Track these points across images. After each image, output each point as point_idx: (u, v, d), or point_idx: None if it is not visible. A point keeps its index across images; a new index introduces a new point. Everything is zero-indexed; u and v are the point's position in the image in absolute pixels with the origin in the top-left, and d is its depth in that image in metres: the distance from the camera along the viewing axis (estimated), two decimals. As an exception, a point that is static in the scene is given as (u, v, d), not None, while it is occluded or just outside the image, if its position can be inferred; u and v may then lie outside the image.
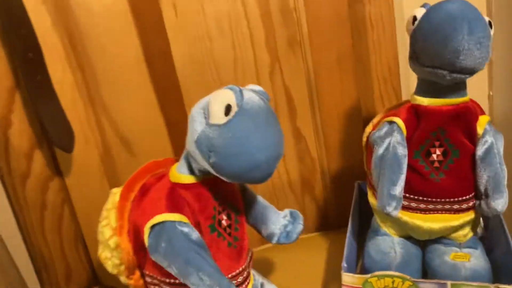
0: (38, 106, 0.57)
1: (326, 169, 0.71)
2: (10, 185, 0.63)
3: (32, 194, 0.64)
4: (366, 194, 0.59)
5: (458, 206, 0.50)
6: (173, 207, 0.43)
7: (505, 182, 0.49)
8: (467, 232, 0.53)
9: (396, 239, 0.54)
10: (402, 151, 0.50)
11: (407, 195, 0.51)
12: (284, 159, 0.69)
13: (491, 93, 0.72)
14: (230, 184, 0.47)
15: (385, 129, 0.52)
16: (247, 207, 0.51)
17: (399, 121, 0.50)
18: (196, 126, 0.41)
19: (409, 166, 0.50)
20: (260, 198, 0.52)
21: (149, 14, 0.61)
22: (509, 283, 0.45)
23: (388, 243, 0.54)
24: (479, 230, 0.56)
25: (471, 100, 0.51)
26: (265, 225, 0.51)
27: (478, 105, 0.53)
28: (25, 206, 0.64)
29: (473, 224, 0.52)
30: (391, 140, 0.50)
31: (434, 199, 0.51)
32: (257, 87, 0.44)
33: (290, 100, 0.67)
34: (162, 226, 0.42)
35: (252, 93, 0.42)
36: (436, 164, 0.50)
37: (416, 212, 0.51)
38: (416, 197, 0.51)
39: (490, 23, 0.46)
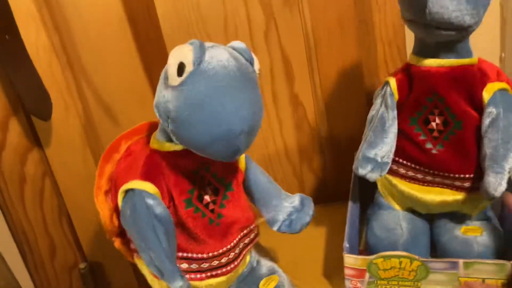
0: (9, 69, 0.52)
1: (325, 137, 0.66)
2: (-15, 158, 0.59)
3: (9, 166, 0.60)
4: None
5: (460, 183, 0.46)
6: (147, 176, 0.39)
7: (507, 165, 0.42)
8: (475, 206, 0.48)
9: (402, 213, 0.50)
10: (390, 114, 0.46)
11: (404, 161, 0.48)
12: (280, 127, 0.65)
13: (503, 55, 0.68)
14: None
15: (381, 89, 0.49)
16: (248, 183, 0.46)
17: (392, 82, 0.47)
18: (158, 88, 0.37)
19: (403, 132, 0.47)
20: (264, 176, 0.47)
21: (130, -33, 0.56)
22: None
23: (393, 218, 0.50)
24: (494, 208, 0.51)
25: (485, 64, 0.45)
26: (267, 208, 0.46)
27: (495, 70, 0.46)
28: (2, 180, 0.60)
29: (480, 204, 0.48)
30: (382, 102, 0.48)
31: (431, 171, 0.47)
32: (239, 44, 0.39)
33: (287, 63, 0.62)
34: (132, 193, 0.38)
35: (222, 51, 0.36)
36: (436, 134, 0.46)
37: (414, 182, 0.48)
38: (412, 165, 0.48)
39: None
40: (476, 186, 0.45)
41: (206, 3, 0.57)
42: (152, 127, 0.45)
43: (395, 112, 0.46)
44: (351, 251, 0.46)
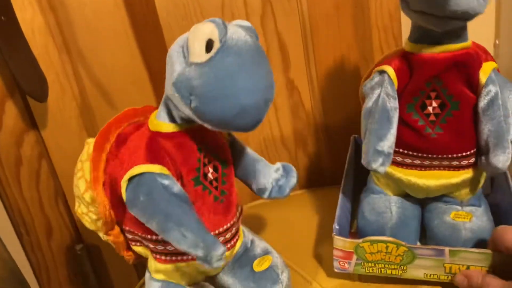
0: (5, 50, 0.52)
1: (320, 122, 0.67)
2: (-19, 139, 0.59)
3: (5, 148, 0.59)
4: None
5: (457, 163, 0.46)
6: (153, 158, 0.39)
7: (510, 137, 0.44)
8: (469, 190, 0.48)
9: (393, 198, 0.50)
10: (393, 103, 0.45)
11: (400, 150, 0.47)
12: (276, 112, 0.65)
13: (497, 42, 0.68)
14: (217, 134, 0.43)
15: (376, 79, 0.47)
16: (236, 159, 0.47)
17: (390, 70, 0.46)
18: (175, 66, 0.37)
19: (401, 120, 0.46)
20: (250, 151, 0.49)
21: None
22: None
23: (383, 202, 0.50)
24: (485, 187, 0.51)
25: (475, 45, 0.46)
26: (256, 179, 0.48)
27: (484, 50, 0.47)
28: (-1, 161, 0.60)
29: (476, 181, 0.48)
30: (381, 92, 0.46)
31: (430, 155, 0.46)
32: (245, 23, 0.39)
33: (283, 48, 0.63)
34: (141, 178, 0.38)
35: (238, 28, 0.37)
36: (432, 118, 0.46)
37: (411, 169, 0.48)
38: (410, 152, 0.47)
39: None
40: (472, 162, 0.46)
41: (203, -15, 0.57)
42: (139, 112, 0.45)
43: (397, 101, 0.46)
44: (341, 233, 0.46)
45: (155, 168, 0.38)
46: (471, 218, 0.47)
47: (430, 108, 0.45)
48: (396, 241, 0.43)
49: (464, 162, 0.46)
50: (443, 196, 0.49)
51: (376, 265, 0.45)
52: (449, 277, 0.44)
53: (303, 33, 0.62)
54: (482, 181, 0.48)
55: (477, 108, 0.44)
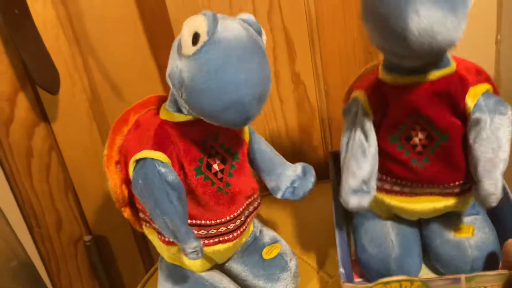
0: (18, 43, 0.53)
1: (325, 116, 0.68)
2: (-7, 132, 0.60)
3: (17, 140, 0.61)
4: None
5: (450, 190, 0.44)
6: (158, 145, 0.40)
7: (500, 171, 0.39)
8: (464, 203, 0.46)
9: (389, 222, 0.47)
10: (369, 137, 0.42)
11: (388, 178, 0.45)
12: (281, 105, 0.66)
13: (499, 37, 0.69)
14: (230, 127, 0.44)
15: (351, 107, 0.44)
16: (253, 153, 0.47)
17: (362, 98, 0.42)
18: (171, 58, 0.38)
19: (385, 151, 0.43)
20: (269, 148, 0.49)
21: None
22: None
23: (381, 230, 0.47)
24: None
25: (463, 66, 0.41)
26: (270, 176, 0.48)
27: (475, 71, 0.42)
28: (10, 154, 0.61)
29: (469, 200, 0.46)
30: (356, 124, 0.43)
31: (420, 184, 0.44)
32: (248, 16, 0.40)
33: (289, 42, 0.63)
34: (144, 162, 0.40)
35: (232, 22, 0.37)
36: (419, 149, 0.42)
37: (401, 195, 0.45)
38: (398, 181, 0.44)
39: None
40: (466, 188, 0.43)
41: (212, -19, 0.58)
42: (159, 100, 0.46)
43: (373, 132, 0.43)
44: (347, 277, 0.44)
45: (156, 154, 0.40)
46: (473, 231, 0.45)
47: (416, 140, 0.42)
48: (409, 278, 0.40)
49: (457, 190, 0.44)
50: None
51: None
52: None
53: (309, 28, 0.63)
54: (473, 197, 0.46)
55: (468, 136, 0.41)
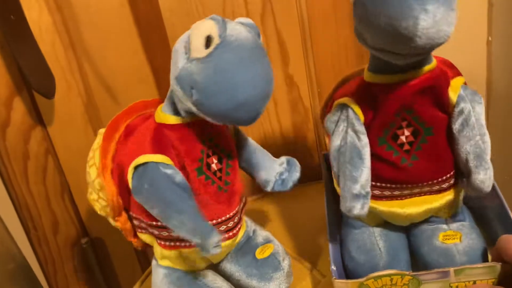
0: (14, 48, 0.54)
1: (319, 117, 0.68)
2: (-11, 135, 0.60)
3: (13, 144, 0.61)
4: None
5: (438, 187, 0.44)
6: (157, 148, 0.41)
7: (488, 156, 0.41)
8: (452, 207, 0.47)
9: (376, 229, 0.48)
10: (363, 139, 0.42)
11: (378, 183, 0.44)
12: (276, 107, 0.67)
13: (490, 38, 0.70)
14: (221, 127, 0.45)
15: (338, 114, 0.44)
16: (240, 152, 0.48)
17: (353, 105, 0.43)
18: (177, 61, 0.39)
19: (374, 155, 0.43)
20: (254, 144, 0.50)
21: (131, -51, 0.57)
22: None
23: (368, 237, 0.47)
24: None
25: (439, 61, 0.42)
26: (260, 171, 0.49)
27: (449, 64, 0.44)
28: (6, 157, 0.62)
29: (458, 198, 0.46)
30: (347, 128, 0.43)
31: (410, 185, 0.44)
32: (246, 20, 0.41)
33: (282, 45, 0.64)
34: (146, 167, 0.40)
35: (237, 25, 0.39)
36: (406, 147, 0.43)
37: (392, 199, 0.45)
38: (388, 185, 0.45)
39: None
40: (452, 183, 0.44)
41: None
42: (148, 105, 0.47)
43: (366, 134, 0.43)
44: (339, 273, 0.45)
45: (159, 158, 0.40)
46: (460, 237, 0.45)
47: (403, 138, 0.43)
48: (399, 272, 0.41)
49: (445, 185, 0.44)
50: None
51: None
52: None
53: (301, 31, 0.64)
54: (462, 196, 0.47)
55: (451, 129, 0.42)
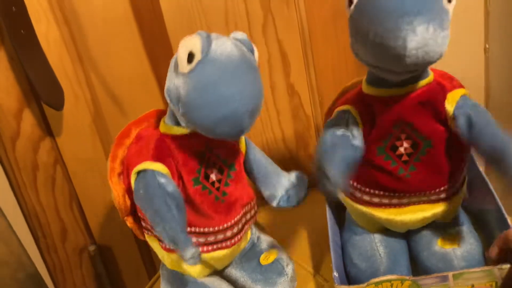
0: (24, 61, 0.55)
1: (320, 125, 0.70)
2: (0, 146, 0.62)
3: (23, 154, 0.63)
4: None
5: (436, 197, 0.45)
6: (157, 157, 0.43)
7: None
8: (450, 213, 0.47)
9: (377, 236, 0.49)
10: (355, 136, 0.43)
11: (376, 191, 0.46)
12: (278, 115, 0.68)
13: (487, 46, 0.71)
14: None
15: (339, 117, 0.45)
16: (249, 164, 0.49)
17: (353, 111, 0.44)
18: (169, 75, 0.41)
19: (372, 163, 0.45)
20: (264, 158, 0.51)
21: (136, -36, 0.59)
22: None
23: (369, 244, 0.48)
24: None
25: (438, 74, 0.43)
26: (266, 185, 0.50)
27: (448, 77, 0.45)
28: (17, 167, 0.63)
29: (456, 205, 0.48)
30: (347, 128, 0.44)
31: (407, 194, 0.45)
32: (240, 35, 0.42)
33: (283, 55, 0.66)
34: (144, 173, 0.42)
35: (225, 41, 0.40)
36: (405, 158, 0.44)
37: (390, 207, 0.46)
38: (386, 193, 0.45)
39: None
40: (451, 193, 0.45)
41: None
42: (159, 114, 0.49)
43: (362, 137, 0.44)
44: (341, 280, 0.46)
45: (157, 166, 0.42)
46: (459, 242, 0.46)
47: (401, 149, 0.44)
48: (399, 277, 0.42)
49: (443, 195, 0.45)
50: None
51: None
52: None
53: (302, 41, 0.65)
54: (460, 201, 0.48)
55: (458, 137, 0.42)
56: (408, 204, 0.46)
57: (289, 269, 0.48)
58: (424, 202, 0.45)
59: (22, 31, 0.54)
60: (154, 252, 0.67)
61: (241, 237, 0.47)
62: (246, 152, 0.49)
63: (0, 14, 0.54)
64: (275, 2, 0.62)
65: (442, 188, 0.45)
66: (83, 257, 0.70)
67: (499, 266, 0.41)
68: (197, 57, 0.38)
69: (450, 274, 0.42)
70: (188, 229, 0.44)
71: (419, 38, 0.35)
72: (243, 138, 0.49)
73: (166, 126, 0.44)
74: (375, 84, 0.43)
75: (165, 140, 0.43)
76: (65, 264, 0.70)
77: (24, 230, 0.66)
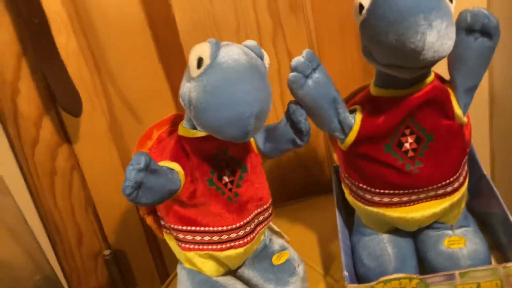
0: (45, 70, 0.58)
1: (326, 132, 0.71)
2: (20, 153, 0.64)
3: (41, 161, 0.65)
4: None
5: (443, 191, 0.47)
6: (174, 157, 0.45)
7: None
8: (456, 213, 0.49)
9: (385, 236, 0.50)
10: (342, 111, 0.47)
11: (386, 191, 0.47)
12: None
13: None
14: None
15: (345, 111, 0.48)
16: (265, 150, 0.50)
17: (359, 109, 0.47)
18: (183, 81, 0.43)
19: (380, 162, 0.46)
20: (264, 131, 0.50)
21: (152, -21, 0.62)
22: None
23: (378, 244, 0.50)
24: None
25: (436, 76, 0.46)
26: (277, 140, 0.49)
27: (439, 75, 0.47)
28: (35, 173, 0.66)
29: (461, 203, 0.50)
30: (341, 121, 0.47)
31: (416, 190, 0.47)
32: (251, 42, 0.44)
33: (292, 64, 0.68)
34: None
35: (235, 48, 0.42)
36: (411, 154, 0.46)
37: (400, 206, 0.48)
38: (396, 192, 0.47)
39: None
40: (456, 187, 0.47)
41: (220, 11, 0.63)
42: (178, 118, 0.51)
43: (343, 108, 0.47)
44: (351, 279, 0.47)
45: (173, 165, 0.44)
46: (465, 242, 0.48)
47: (407, 145, 0.46)
48: (408, 275, 0.44)
49: (449, 189, 0.47)
50: (433, 223, 0.50)
51: None
52: None
53: (311, 51, 0.67)
54: (465, 200, 0.50)
55: (461, 132, 0.46)
56: (417, 201, 0.47)
57: (300, 269, 0.50)
58: (432, 198, 0.47)
59: (43, 42, 0.57)
60: (167, 256, 0.69)
61: (254, 237, 0.49)
62: (258, 147, 0.50)
63: (24, 26, 0.58)
64: (285, 14, 0.65)
65: (447, 181, 0.46)
66: (98, 261, 0.72)
67: (503, 265, 0.43)
68: (206, 61, 0.40)
69: (457, 272, 0.43)
70: (203, 228, 0.46)
71: (435, 32, 0.38)
72: (253, 142, 0.50)
73: (184, 129, 0.46)
74: (384, 86, 0.45)
75: (182, 142, 0.46)
76: (81, 269, 0.71)
77: (42, 234, 0.68)
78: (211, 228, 0.47)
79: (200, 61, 0.40)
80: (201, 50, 0.40)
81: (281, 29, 0.66)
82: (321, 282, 0.53)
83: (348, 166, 0.50)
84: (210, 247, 0.47)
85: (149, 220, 0.50)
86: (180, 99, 0.44)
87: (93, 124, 0.66)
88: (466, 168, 0.49)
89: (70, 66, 0.62)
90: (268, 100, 0.42)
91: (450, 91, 0.45)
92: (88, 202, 0.70)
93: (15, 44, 0.60)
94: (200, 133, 0.45)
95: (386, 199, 0.48)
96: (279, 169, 0.72)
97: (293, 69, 0.45)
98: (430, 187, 0.46)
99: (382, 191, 0.47)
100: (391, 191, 0.47)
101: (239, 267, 0.51)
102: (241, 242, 0.48)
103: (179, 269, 0.50)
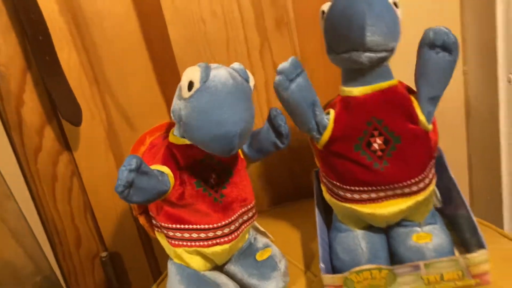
0: (48, 83, 0.63)
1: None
2: (23, 159, 0.69)
3: (43, 167, 0.70)
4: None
5: (408, 190, 0.50)
6: (165, 162, 0.49)
7: None
8: (423, 211, 0.53)
9: (359, 232, 0.54)
10: (318, 110, 0.51)
11: (356, 188, 0.51)
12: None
13: (465, 68, 0.76)
14: None
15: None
16: (250, 153, 0.55)
17: (332, 112, 0.51)
18: (174, 98, 0.48)
19: (350, 160, 0.50)
20: (250, 138, 0.55)
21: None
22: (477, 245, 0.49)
23: (352, 239, 0.54)
24: (436, 202, 0.57)
25: (400, 83, 0.50)
26: (260, 144, 0.55)
27: (407, 86, 0.52)
28: (38, 179, 0.70)
29: (427, 202, 0.53)
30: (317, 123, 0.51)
31: (383, 187, 0.50)
32: (238, 66, 0.49)
33: (279, 77, 0.72)
34: None
35: (223, 72, 0.46)
36: (379, 153, 0.50)
37: (370, 203, 0.51)
38: (365, 188, 0.51)
39: (395, 3, 0.47)
40: (421, 187, 0.51)
41: (211, 30, 0.67)
42: (170, 125, 0.56)
43: (319, 136, 0.51)
44: (327, 270, 0.52)
45: (164, 168, 0.49)
46: (431, 238, 0.52)
47: (375, 145, 0.50)
48: (377, 266, 0.48)
49: (414, 188, 0.50)
50: (402, 220, 0.54)
51: None
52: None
53: (295, 65, 0.72)
54: (431, 201, 0.54)
55: (428, 136, 0.49)
56: (385, 198, 0.51)
57: (282, 265, 0.54)
58: (399, 196, 0.51)
59: (47, 57, 0.62)
60: (160, 258, 0.73)
61: (238, 234, 0.53)
62: (243, 152, 0.55)
63: (29, 42, 0.62)
64: (271, 30, 0.69)
65: (413, 181, 0.50)
66: (95, 263, 0.76)
67: (463, 256, 0.47)
68: (196, 85, 0.44)
69: (422, 263, 0.47)
70: (191, 226, 0.50)
71: (374, 13, 0.45)
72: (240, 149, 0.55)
73: (174, 137, 0.51)
74: (347, 84, 0.50)
75: (172, 148, 0.50)
76: (79, 270, 0.75)
77: (42, 237, 0.72)
78: (198, 226, 0.51)
79: (191, 85, 0.44)
80: (192, 74, 0.45)
81: (268, 44, 0.70)
82: (302, 277, 0.56)
83: (325, 165, 0.54)
84: (197, 243, 0.51)
85: (141, 219, 0.54)
86: (172, 114, 0.48)
87: (92, 133, 0.70)
88: (433, 171, 0.53)
89: (71, 79, 0.66)
90: (252, 120, 0.47)
91: (413, 98, 0.49)
92: (87, 207, 0.74)
93: (21, 59, 0.65)
94: (189, 141, 0.49)
95: (356, 196, 0.52)
96: (268, 175, 0.77)
97: (279, 73, 0.49)
98: (396, 185, 0.50)
99: (353, 188, 0.51)
100: (361, 188, 0.51)
101: (226, 263, 0.55)
102: (226, 239, 0.52)
103: (169, 264, 0.54)
